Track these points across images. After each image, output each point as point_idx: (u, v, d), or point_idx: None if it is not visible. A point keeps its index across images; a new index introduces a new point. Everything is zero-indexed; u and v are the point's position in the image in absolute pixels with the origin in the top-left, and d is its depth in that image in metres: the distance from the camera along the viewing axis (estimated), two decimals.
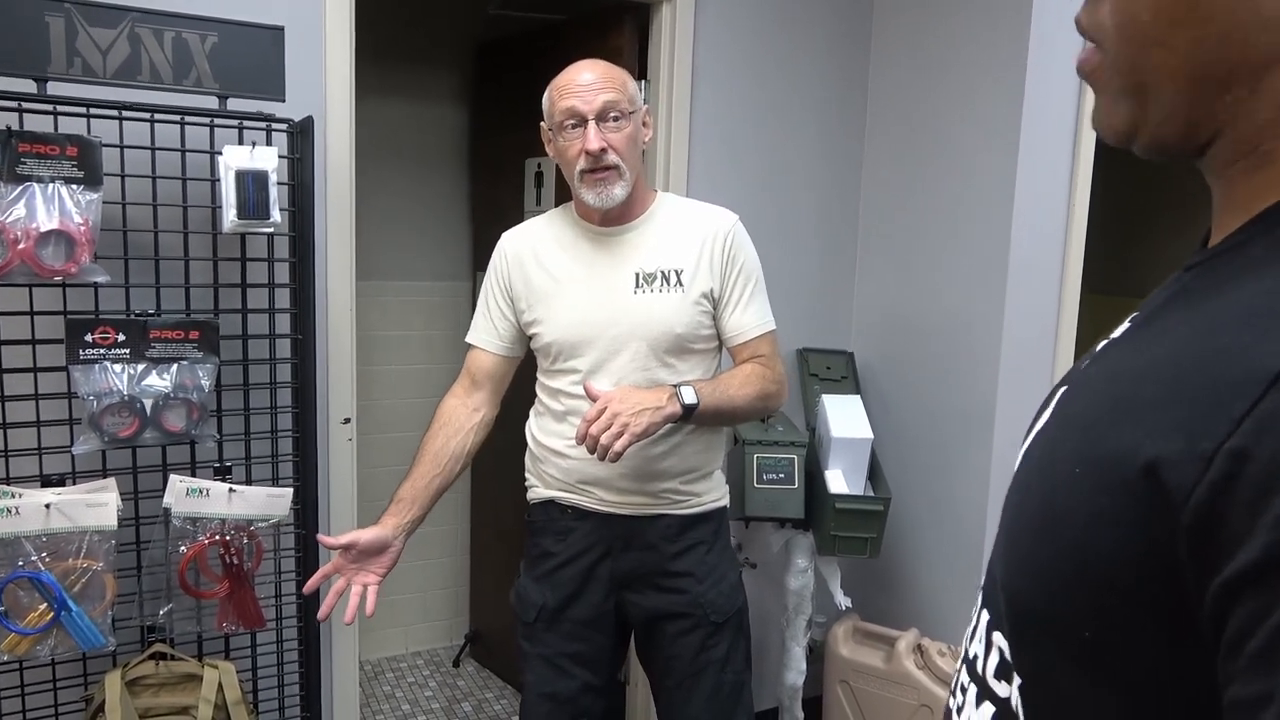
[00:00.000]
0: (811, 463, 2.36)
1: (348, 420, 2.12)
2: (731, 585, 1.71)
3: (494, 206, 3.02)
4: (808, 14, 2.60)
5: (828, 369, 2.62)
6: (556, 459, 1.67)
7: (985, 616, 0.58)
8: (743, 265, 1.65)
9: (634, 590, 1.68)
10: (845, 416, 2.37)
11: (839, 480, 2.32)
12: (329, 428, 2.08)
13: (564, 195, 2.63)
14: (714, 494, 1.72)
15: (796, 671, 2.44)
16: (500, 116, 2.99)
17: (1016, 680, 0.53)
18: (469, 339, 1.76)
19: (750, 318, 1.66)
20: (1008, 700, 0.54)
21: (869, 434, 2.33)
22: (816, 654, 2.55)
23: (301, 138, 1.76)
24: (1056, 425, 0.55)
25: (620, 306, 1.62)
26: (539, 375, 1.73)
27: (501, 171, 2.97)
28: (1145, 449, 0.43)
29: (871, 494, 2.35)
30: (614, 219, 1.66)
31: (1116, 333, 0.57)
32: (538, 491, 1.73)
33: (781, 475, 2.27)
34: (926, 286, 2.53)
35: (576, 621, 1.68)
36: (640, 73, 2.47)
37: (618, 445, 1.43)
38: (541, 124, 1.66)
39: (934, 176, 2.50)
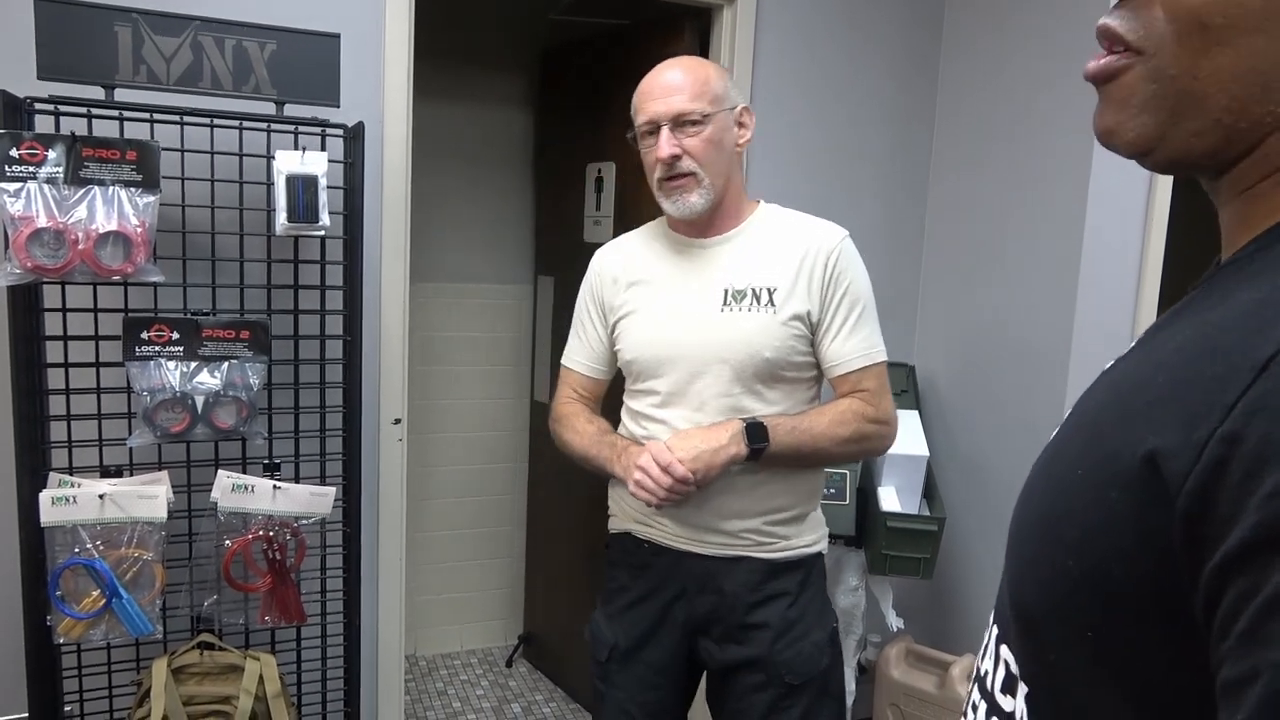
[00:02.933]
0: (865, 479, 2.29)
1: (398, 420, 2.15)
2: (815, 645, 1.52)
3: (558, 210, 3.04)
4: (873, 17, 2.54)
5: None
6: None
7: (995, 632, 0.59)
8: (848, 287, 1.50)
9: (708, 637, 1.56)
10: (901, 432, 2.30)
11: (892, 498, 2.25)
12: (379, 428, 2.12)
13: (624, 201, 2.65)
14: (805, 538, 1.55)
15: (845, 692, 2.38)
16: (564, 121, 3.01)
17: (1022, 690, 0.53)
18: (564, 361, 1.69)
19: (853, 346, 1.49)
20: (1012, 714, 0.54)
21: (924, 451, 2.26)
22: (868, 674, 2.48)
23: (353, 143, 1.79)
24: (1059, 434, 0.56)
25: (705, 325, 1.49)
26: (625, 396, 1.63)
27: (565, 175, 2.98)
28: (1145, 443, 0.43)
29: (926, 513, 2.27)
30: (704, 229, 1.55)
31: (1125, 350, 0.57)
32: (617, 522, 1.64)
33: (832, 490, 2.21)
34: (992, 300, 2.44)
35: (649, 666, 1.58)
36: None
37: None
38: (629, 133, 1.56)
39: (1003, 188, 2.40)
